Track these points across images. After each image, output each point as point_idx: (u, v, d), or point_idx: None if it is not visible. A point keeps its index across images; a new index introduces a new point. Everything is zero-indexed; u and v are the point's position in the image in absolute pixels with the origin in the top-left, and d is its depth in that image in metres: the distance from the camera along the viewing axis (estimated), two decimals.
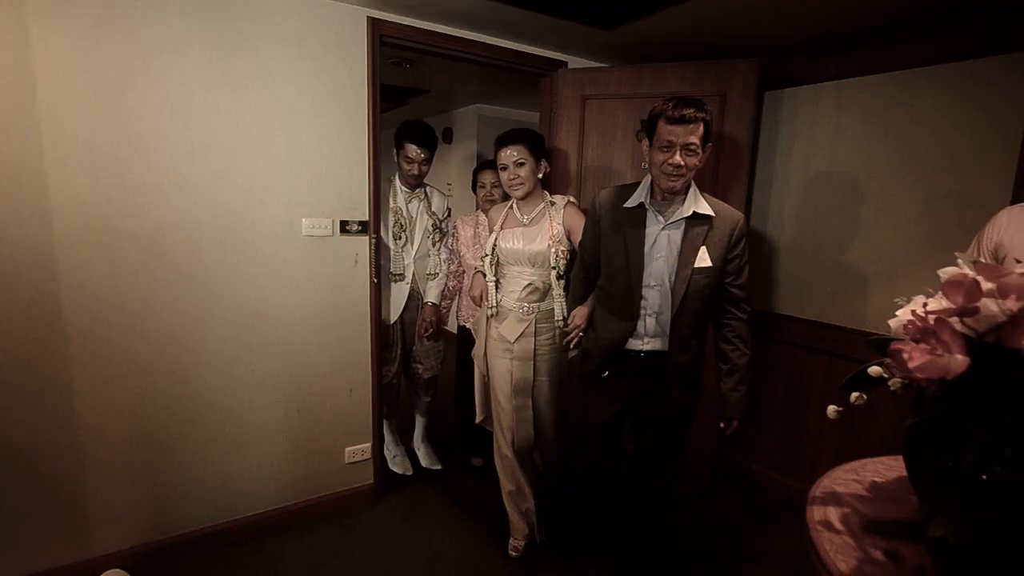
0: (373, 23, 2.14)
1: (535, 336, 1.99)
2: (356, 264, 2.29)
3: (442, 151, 3.73)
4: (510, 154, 1.93)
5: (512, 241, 1.99)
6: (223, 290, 2.03)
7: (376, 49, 2.17)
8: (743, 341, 1.67)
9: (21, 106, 1.63)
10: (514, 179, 1.94)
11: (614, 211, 1.70)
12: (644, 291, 1.65)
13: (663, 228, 1.62)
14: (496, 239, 2.04)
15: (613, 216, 1.70)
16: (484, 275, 2.09)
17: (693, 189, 1.62)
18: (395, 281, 2.53)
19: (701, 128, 1.52)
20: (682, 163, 1.51)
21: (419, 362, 2.68)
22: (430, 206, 2.58)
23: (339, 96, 2.15)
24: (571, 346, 1.92)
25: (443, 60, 2.49)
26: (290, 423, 2.26)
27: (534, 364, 2.01)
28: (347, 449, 2.41)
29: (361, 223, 2.27)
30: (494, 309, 2.05)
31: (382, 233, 2.44)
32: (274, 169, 2.07)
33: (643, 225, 1.63)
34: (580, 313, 1.88)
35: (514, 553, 2.14)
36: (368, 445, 2.46)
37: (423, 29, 2.26)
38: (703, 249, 1.58)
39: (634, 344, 1.70)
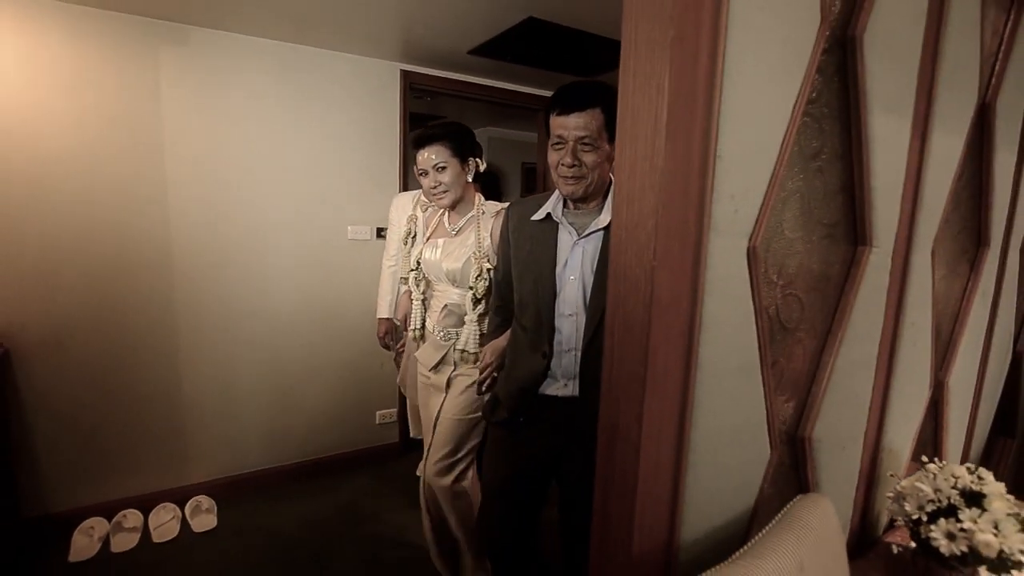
0: (404, 74, 2.75)
1: (454, 366, 1.70)
2: None
3: None
4: (428, 157, 1.62)
5: (432, 252, 1.71)
6: (288, 280, 2.62)
7: (407, 93, 2.77)
8: None
9: (152, 140, 2.25)
10: (436, 187, 1.64)
11: (522, 226, 1.41)
12: (558, 321, 1.32)
13: (576, 243, 1.30)
14: (421, 249, 1.76)
15: (521, 232, 1.41)
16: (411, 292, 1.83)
17: (613, 192, 1.33)
18: (404, 284, 2.27)
19: (599, 116, 1.20)
20: (575, 162, 1.22)
21: None
22: None
23: (377, 130, 2.75)
24: (483, 388, 1.57)
25: (458, 99, 3.09)
26: (334, 387, 2.83)
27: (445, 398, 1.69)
28: (377, 412, 2.98)
29: None
30: (418, 331, 1.80)
31: (391, 235, 2.37)
32: (327, 186, 2.66)
33: (554, 241, 1.33)
34: (492, 348, 1.53)
35: None
36: (394, 410, 3.02)
37: (443, 77, 2.87)
38: None
39: (552, 388, 1.35)
